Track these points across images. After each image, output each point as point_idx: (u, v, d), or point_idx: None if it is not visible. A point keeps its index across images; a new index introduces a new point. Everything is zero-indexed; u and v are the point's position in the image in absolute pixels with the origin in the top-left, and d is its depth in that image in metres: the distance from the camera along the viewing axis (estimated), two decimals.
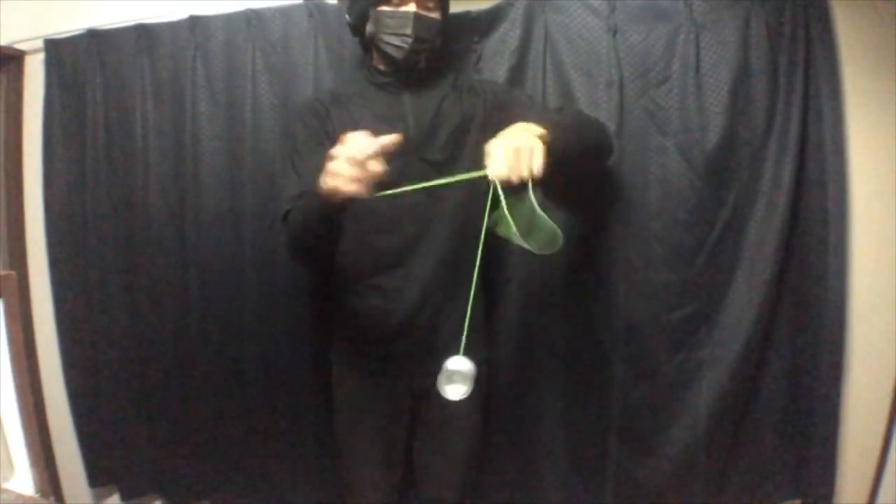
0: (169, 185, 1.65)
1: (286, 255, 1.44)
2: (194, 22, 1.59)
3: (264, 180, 1.56)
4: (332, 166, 0.94)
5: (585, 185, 1.43)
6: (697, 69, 1.37)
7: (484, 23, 1.45)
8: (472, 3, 1.44)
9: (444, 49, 1.31)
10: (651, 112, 1.41)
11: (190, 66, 1.59)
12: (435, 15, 1.24)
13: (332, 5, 1.53)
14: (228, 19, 1.58)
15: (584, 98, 1.42)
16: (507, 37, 1.44)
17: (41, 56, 1.72)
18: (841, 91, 1.40)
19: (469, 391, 1.08)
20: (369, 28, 1.24)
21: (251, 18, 1.55)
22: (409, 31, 1.20)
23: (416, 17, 1.20)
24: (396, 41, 1.21)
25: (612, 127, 1.39)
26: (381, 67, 1.28)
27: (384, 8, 1.21)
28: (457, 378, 1.07)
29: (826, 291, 1.41)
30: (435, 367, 1.29)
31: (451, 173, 1.23)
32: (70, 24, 1.70)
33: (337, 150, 0.94)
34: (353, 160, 0.91)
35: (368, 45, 1.29)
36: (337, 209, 1.03)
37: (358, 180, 0.92)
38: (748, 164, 1.40)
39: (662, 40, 1.39)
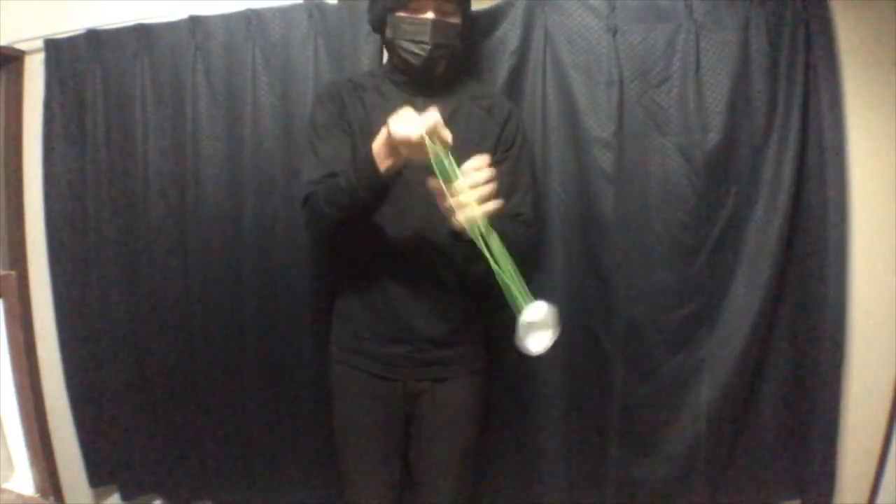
0: (169, 185, 1.65)
1: (298, 254, 1.51)
2: (194, 22, 1.59)
3: (264, 180, 1.56)
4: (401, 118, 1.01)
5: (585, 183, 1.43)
6: (697, 69, 1.37)
7: (484, 23, 1.45)
8: (473, 3, 1.43)
9: (464, 52, 1.29)
10: (651, 112, 1.41)
11: (190, 66, 1.59)
12: (454, 20, 1.22)
13: (332, 5, 1.53)
14: (228, 19, 1.58)
15: (584, 98, 1.42)
16: (507, 37, 1.44)
17: (41, 56, 1.72)
18: (841, 91, 1.40)
19: (556, 334, 0.95)
20: (388, 33, 1.22)
21: (251, 18, 1.55)
22: (426, 38, 1.17)
23: (434, 23, 1.18)
24: (414, 48, 1.19)
25: (612, 127, 1.39)
26: (400, 68, 1.26)
27: (402, 14, 1.18)
28: (537, 328, 0.93)
29: (826, 291, 1.41)
30: (427, 373, 1.29)
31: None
32: (70, 24, 1.70)
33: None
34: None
35: (388, 46, 1.28)
36: (382, 178, 1.06)
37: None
38: (748, 164, 1.40)
39: (662, 40, 1.39)
